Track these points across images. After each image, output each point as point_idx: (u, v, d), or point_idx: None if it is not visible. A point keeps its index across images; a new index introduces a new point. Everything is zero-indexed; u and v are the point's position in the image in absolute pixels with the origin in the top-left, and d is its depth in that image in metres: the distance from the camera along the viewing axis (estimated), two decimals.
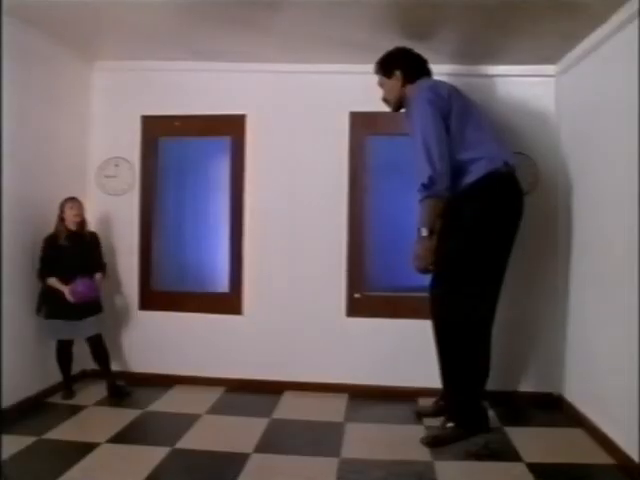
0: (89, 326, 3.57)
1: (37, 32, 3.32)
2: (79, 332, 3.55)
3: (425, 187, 2.58)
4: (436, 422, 3.13)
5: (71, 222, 3.54)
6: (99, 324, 3.64)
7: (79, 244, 3.57)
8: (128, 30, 3.34)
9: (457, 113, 2.67)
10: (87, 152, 4.00)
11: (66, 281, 3.46)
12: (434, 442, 2.87)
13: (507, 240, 2.75)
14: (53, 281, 3.45)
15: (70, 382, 3.65)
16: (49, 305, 3.45)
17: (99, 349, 3.66)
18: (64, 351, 3.59)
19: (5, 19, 2.96)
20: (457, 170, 2.65)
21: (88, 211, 3.78)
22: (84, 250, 3.61)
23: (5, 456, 2.62)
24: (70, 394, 3.61)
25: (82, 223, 3.62)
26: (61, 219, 3.54)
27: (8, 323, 3.10)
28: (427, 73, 2.84)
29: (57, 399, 3.53)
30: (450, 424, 2.95)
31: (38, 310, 3.45)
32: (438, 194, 2.59)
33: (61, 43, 3.57)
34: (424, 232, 2.61)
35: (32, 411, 3.27)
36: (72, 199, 3.58)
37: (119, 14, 3.05)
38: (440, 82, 2.86)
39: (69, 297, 3.42)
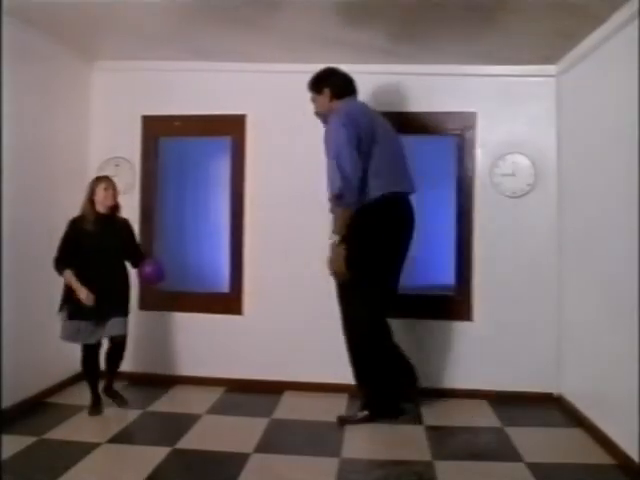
0: (115, 325, 3.19)
1: (37, 32, 3.32)
2: (105, 333, 3.21)
3: (336, 198, 2.83)
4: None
5: (103, 205, 3.19)
6: (125, 324, 3.28)
7: (109, 230, 3.21)
8: (128, 30, 3.34)
9: (368, 137, 2.90)
10: (87, 152, 4.00)
11: (89, 273, 3.10)
12: (343, 421, 3.12)
13: (392, 255, 3.02)
14: (69, 275, 3.08)
15: (98, 394, 3.31)
16: (72, 304, 3.11)
17: (118, 352, 3.31)
18: (91, 356, 3.23)
19: (5, 19, 2.96)
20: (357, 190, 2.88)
21: None
22: (115, 237, 3.24)
23: (5, 456, 2.62)
24: (98, 409, 3.27)
25: (115, 207, 3.28)
26: (90, 201, 3.18)
27: (8, 322, 3.09)
28: (353, 91, 3.07)
29: (57, 399, 3.52)
30: (364, 412, 3.14)
31: (61, 308, 3.17)
32: (347, 205, 2.84)
33: (61, 43, 3.57)
34: (335, 239, 2.86)
35: (32, 411, 3.27)
36: (106, 179, 3.25)
37: (119, 14, 3.04)
38: (360, 106, 3.07)
39: (85, 300, 3.07)
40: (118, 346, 3.30)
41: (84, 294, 3.08)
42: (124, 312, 3.28)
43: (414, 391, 3.23)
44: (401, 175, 3.01)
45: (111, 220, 3.27)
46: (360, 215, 2.87)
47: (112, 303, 3.19)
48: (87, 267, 3.13)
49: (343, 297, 3.06)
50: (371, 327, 3.04)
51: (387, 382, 3.13)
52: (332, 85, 2.95)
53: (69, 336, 3.18)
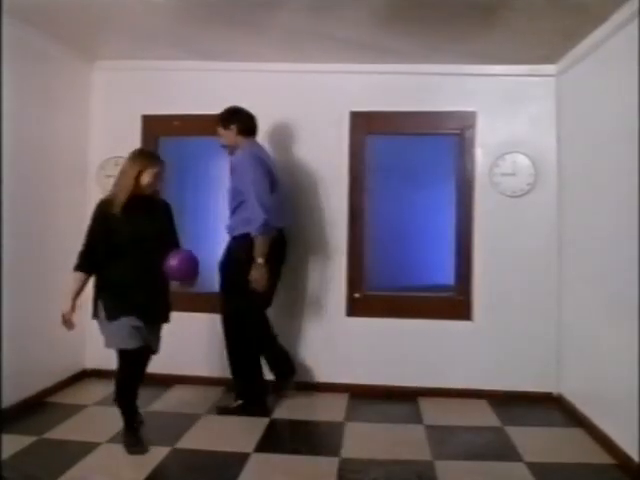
0: (155, 337, 2.77)
1: (37, 32, 3.32)
2: (151, 341, 2.74)
3: (263, 227, 3.12)
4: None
5: (148, 188, 2.67)
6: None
7: (148, 216, 2.70)
8: (128, 30, 3.34)
9: (270, 179, 3.27)
10: (87, 151, 4.00)
11: (124, 268, 2.60)
12: (221, 411, 3.33)
13: (272, 275, 3.31)
14: (72, 280, 2.58)
15: (136, 422, 2.79)
16: (109, 301, 2.60)
17: (144, 366, 2.83)
18: (135, 365, 2.67)
19: (5, 19, 2.96)
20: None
21: (88, 211, 3.75)
22: (155, 224, 2.73)
23: (5, 456, 2.62)
24: (138, 441, 2.74)
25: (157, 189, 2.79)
26: (135, 179, 2.62)
27: (8, 322, 3.09)
28: (255, 131, 3.41)
29: (57, 398, 3.52)
30: (239, 401, 3.33)
31: (95, 313, 2.68)
32: (269, 231, 3.17)
33: (61, 43, 3.57)
34: (260, 261, 3.14)
35: (32, 411, 3.26)
36: (162, 163, 2.75)
37: (119, 14, 3.04)
38: (263, 150, 3.46)
39: (66, 324, 2.62)
40: (146, 358, 2.81)
41: (65, 310, 2.60)
42: (166, 317, 2.85)
43: (287, 381, 3.52)
44: (285, 211, 3.48)
45: (149, 203, 2.73)
46: (250, 244, 3.18)
47: (154, 306, 2.72)
48: (122, 262, 2.62)
49: (228, 295, 3.36)
50: (249, 323, 3.36)
51: (258, 377, 3.40)
52: (238, 122, 3.28)
53: (112, 341, 2.64)
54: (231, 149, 3.34)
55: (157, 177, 2.72)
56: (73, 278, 2.64)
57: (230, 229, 3.35)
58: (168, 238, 2.83)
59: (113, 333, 2.65)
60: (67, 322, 2.65)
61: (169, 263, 2.67)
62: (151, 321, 2.75)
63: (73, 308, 2.65)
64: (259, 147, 3.41)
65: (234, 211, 3.29)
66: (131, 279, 2.65)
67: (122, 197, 2.62)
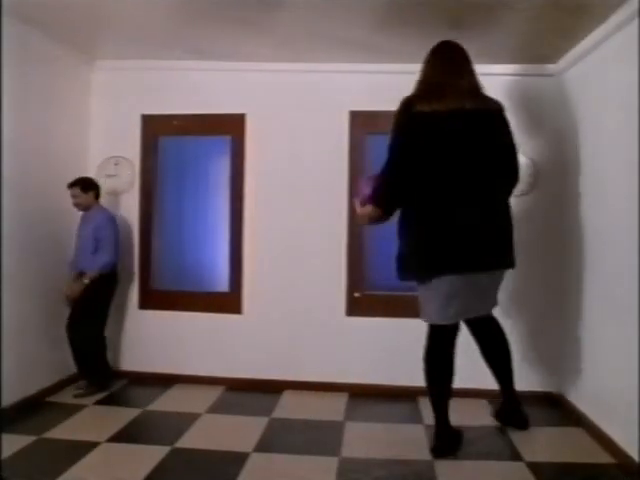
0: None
1: (37, 32, 3.32)
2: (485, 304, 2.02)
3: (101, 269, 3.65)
4: None
5: None
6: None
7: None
8: (128, 30, 3.34)
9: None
10: (87, 151, 4.00)
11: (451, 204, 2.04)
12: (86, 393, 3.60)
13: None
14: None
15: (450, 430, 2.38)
16: (434, 246, 1.90)
17: (497, 339, 2.10)
18: (448, 347, 2.10)
19: (5, 19, 2.96)
20: None
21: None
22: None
23: (5, 456, 2.62)
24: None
25: None
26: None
27: (8, 322, 3.09)
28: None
29: (57, 398, 3.52)
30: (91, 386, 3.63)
31: (406, 274, 1.98)
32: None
33: (61, 43, 3.57)
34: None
35: (32, 410, 3.27)
36: None
37: (119, 13, 3.05)
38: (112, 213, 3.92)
39: None
40: (492, 328, 2.08)
41: None
42: (510, 263, 2.06)
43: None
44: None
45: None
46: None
47: (493, 250, 2.03)
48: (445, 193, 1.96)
49: (84, 310, 3.68)
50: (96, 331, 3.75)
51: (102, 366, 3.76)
52: (96, 190, 3.77)
53: (439, 315, 1.98)
54: (86, 208, 3.74)
55: None
56: None
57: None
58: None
59: (436, 299, 2.17)
60: None
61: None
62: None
63: None
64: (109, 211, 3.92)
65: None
66: (459, 222, 2.09)
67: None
